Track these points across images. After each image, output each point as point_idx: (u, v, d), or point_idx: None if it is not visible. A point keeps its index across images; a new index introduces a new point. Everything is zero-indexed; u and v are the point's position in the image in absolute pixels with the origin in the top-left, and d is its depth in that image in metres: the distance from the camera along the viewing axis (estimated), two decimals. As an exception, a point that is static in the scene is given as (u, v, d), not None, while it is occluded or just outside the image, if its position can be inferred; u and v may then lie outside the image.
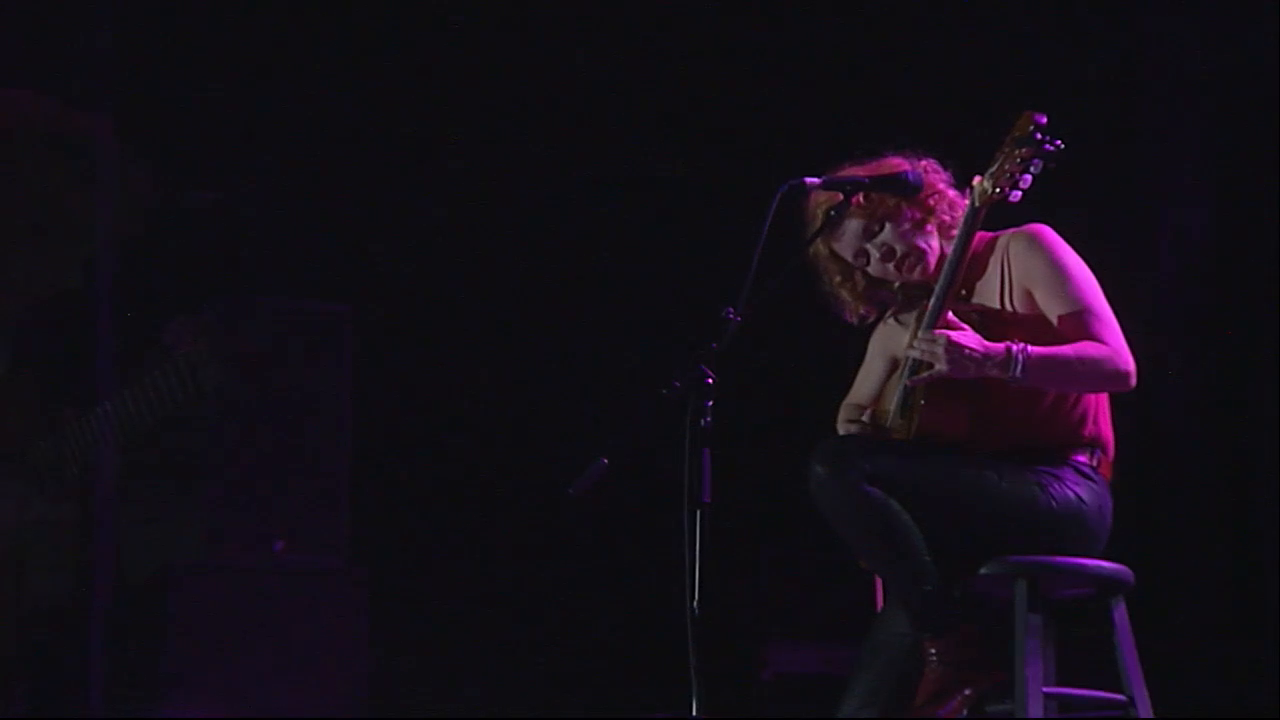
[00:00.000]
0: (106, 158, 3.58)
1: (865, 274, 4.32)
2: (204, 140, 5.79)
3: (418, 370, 6.48)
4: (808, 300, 4.36)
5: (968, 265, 4.15)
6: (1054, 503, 4.05)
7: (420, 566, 6.34)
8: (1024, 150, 3.99)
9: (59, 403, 3.78)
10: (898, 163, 4.24)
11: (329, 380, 5.60)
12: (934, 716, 4.00)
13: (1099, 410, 4.19)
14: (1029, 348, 3.99)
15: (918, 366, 4.07)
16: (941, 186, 4.26)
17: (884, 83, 6.39)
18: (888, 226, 4.24)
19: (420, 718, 6.12)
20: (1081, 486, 4.10)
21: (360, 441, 5.75)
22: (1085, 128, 4.34)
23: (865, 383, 4.43)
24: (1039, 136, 3.99)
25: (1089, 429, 4.16)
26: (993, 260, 4.22)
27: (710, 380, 3.83)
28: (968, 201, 4.14)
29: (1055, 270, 4.14)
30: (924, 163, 4.26)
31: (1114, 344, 4.07)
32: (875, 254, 4.27)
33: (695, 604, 3.70)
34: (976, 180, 4.10)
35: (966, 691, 4.00)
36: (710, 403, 3.81)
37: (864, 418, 4.29)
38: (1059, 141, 3.99)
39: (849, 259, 4.31)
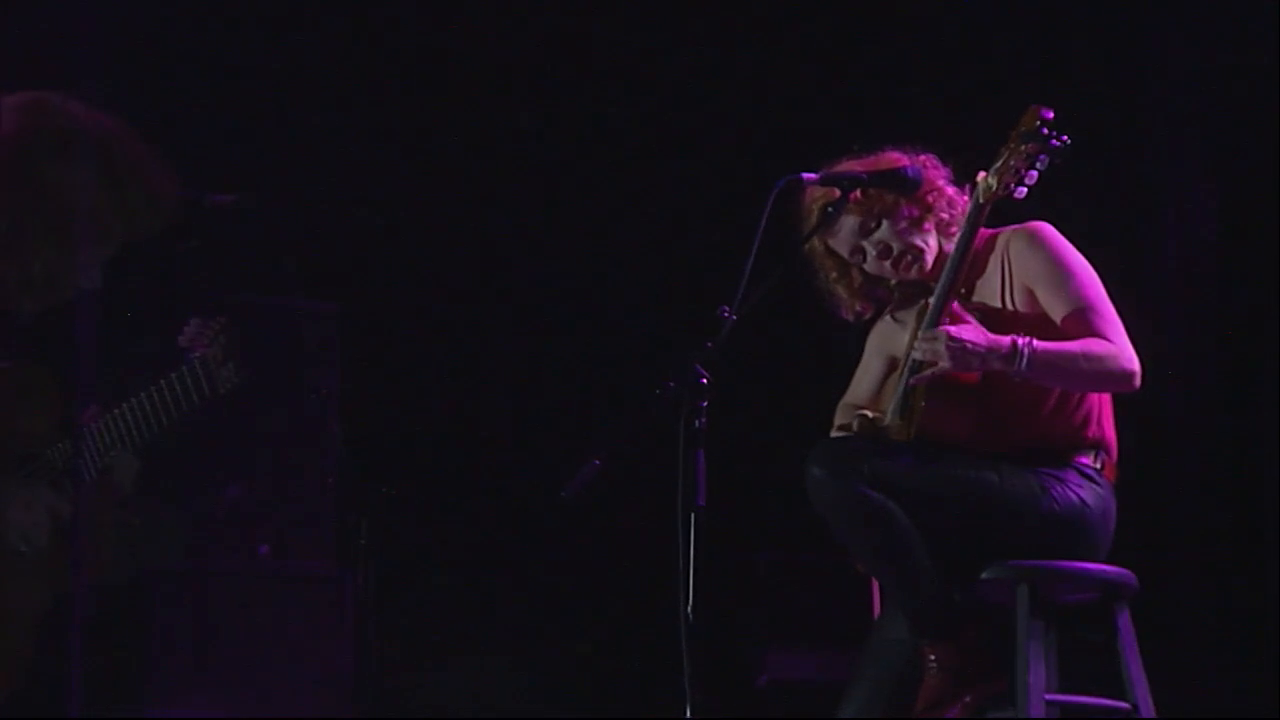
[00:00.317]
0: (123, 158, 3.60)
1: (861, 271, 4.28)
2: (192, 141, 5.79)
3: (408, 371, 6.44)
4: (805, 298, 4.34)
5: (968, 264, 4.11)
6: (1056, 505, 4.02)
7: (409, 571, 6.30)
8: (1030, 146, 3.97)
9: (76, 405, 3.79)
10: (896, 158, 4.21)
11: (316, 380, 5.55)
12: (933, 724, 3.97)
13: (1102, 411, 4.16)
14: (1034, 342, 3.95)
15: (919, 366, 4.02)
16: (941, 183, 4.23)
17: (884, 79, 6.38)
18: (885, 224, 4.21)
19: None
20: (1084, 489, 4.06)
21: (347, 443, 5.70)
22: (1088, 125, 4.29)
23: (863, 382, 4.39)
24: (1045, 132, 3.96)
25: (1092, 430, 4.13)
26: (993, 259, 4.19)
27: (705, 380, 3.80)
28: (969, 198, 4.11)
29: (1057, 268, 4.11)
30: (923, 158, 4.23)
31: (1119, 343, 4.04)
32: (872, 251, 4.23)
33: (690, 610, 3.67)
34: (980, 176, 4.07)
35: (967, 699, 3.96)
36: (705, 403, 3.79)
37: (864, 416, 4.22)
38: (1065, 137, 3.96)
39: (845, 256, 4.27)
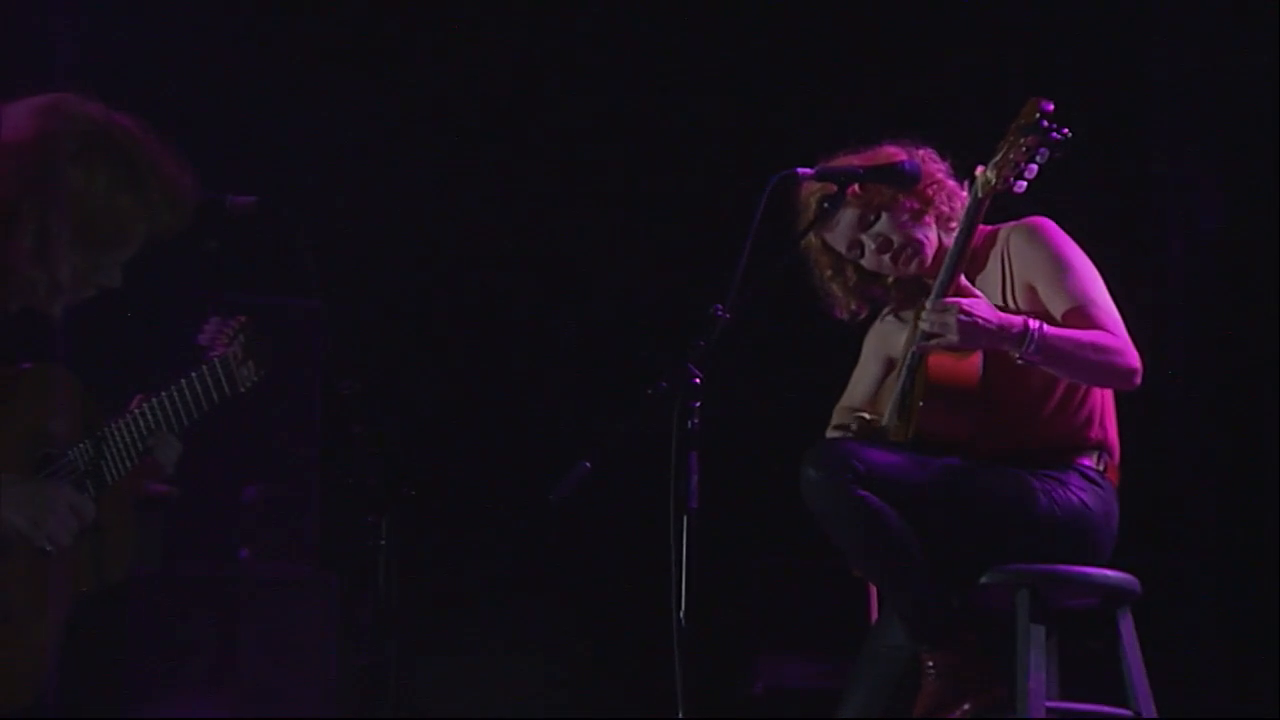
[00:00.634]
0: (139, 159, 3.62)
1: (857, 268, 4.26)
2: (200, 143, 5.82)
3: (392, 371, 6.42)
4: (801, 297, 4.32)
5: (967, 260, 4.08)
6: (1057, 508, 3.99)
7: (403, 573, 6.28)
8: (1030, 139, 3.93)
9: (98, 405, 3.80)
10: (894, 152, 4.19)
11: (298, 380, 5.56)
12: (932, 731, 3.95)
13: (1105, 412, 4.14)
14: (1045, 326, 3.93)
15: (925, 339, 3.98)
16: (940, 176, 4.21)
17: (883, 75, 6.39)
18: (884, 217, 4.18)
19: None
20: (1087, 491, 4.04)
21: (329, 443, 5.71)
22: (1090, 121, 4.27)
23: (860, 384, 4.38)
24: (1045, 124, 3.93)
25: (1095, 431, 4.11)
26: (993, 255, 4.18)
27: (698, 380, 3.77)
28: (968, 192, 4.08)
29: (1057, 263, 4.09)
30: (921, 152, 4.21)
31: (1122, 339, 4.02)
32: (870, 245, 4.21)
33: (682, 614, 3.64)
34: (979, 170, 4.04)
35: (965, 706, 3.92)
36: (698, 404, 3.76)
37: (861, 418, 4.22)
38: (1065, 130, 3.93)
39: (843, 251, 4.25)
